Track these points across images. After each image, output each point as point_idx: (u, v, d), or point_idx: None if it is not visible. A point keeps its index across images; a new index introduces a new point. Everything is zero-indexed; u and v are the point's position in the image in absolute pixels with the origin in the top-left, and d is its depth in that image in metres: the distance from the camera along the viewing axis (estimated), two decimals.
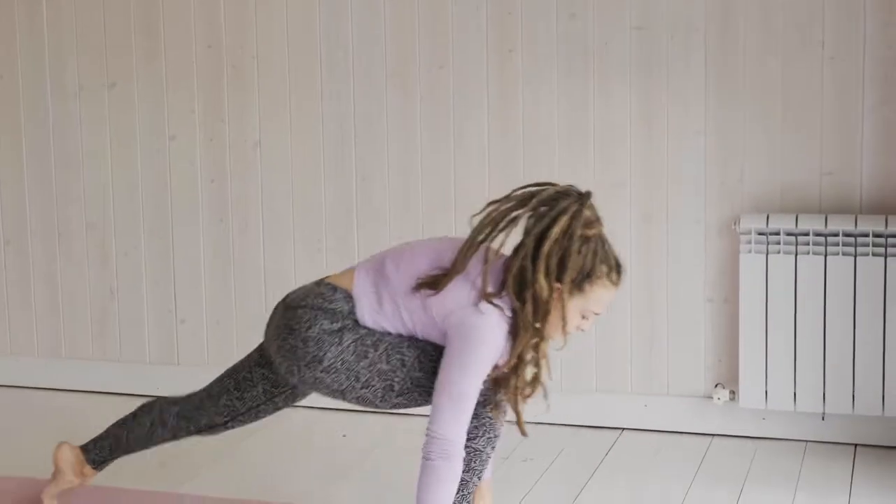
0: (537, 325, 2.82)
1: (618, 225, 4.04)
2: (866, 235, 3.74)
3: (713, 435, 4.02)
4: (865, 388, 3.79)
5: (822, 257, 3.78)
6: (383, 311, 2.94)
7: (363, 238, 4.29)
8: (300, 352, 2.93)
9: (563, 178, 4.02)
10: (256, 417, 3.19)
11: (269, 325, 3.06)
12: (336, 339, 2.91)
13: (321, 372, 2.92)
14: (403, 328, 2.95)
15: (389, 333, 2.95)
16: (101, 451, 3.34)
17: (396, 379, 2.92)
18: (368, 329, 2.94)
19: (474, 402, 2.82)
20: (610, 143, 4.02)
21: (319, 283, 3.04)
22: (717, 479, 3.66)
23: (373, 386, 2.93)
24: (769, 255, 3.83)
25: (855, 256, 3.76)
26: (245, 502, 3.54)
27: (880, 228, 3.73)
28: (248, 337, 4.46)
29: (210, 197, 4.46)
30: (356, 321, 2.95)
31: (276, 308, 3.06)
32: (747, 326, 3.87)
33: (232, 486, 3.68)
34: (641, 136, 3.99)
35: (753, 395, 3.89)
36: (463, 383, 2.78)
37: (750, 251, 3.84)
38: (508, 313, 2.82)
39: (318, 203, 4.34)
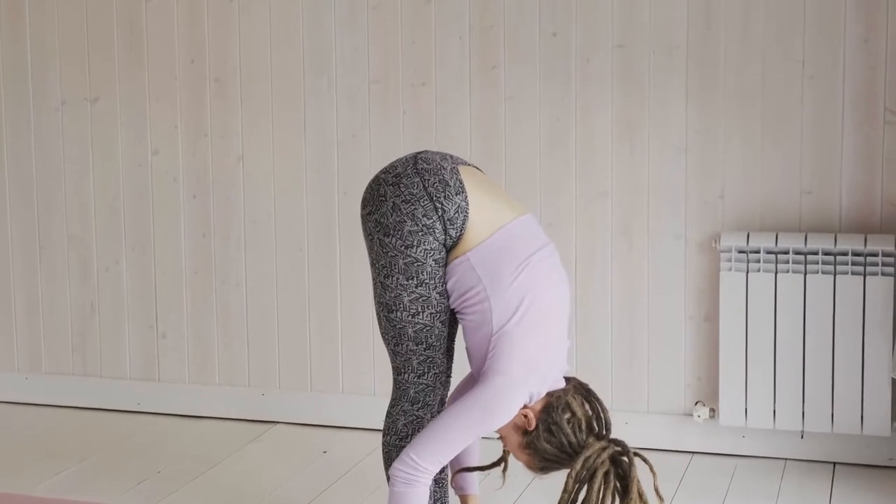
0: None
1: (598, 241, 4.05)
2: (845, 254, 3.76)
3: (693, 452, 4.03)
4: (844, 406, 3.80)
5: (802, 276, 3.80)
6: (469, 289, 2.85)
7: (345, 254, 4.29)
8: (384, 207, 2.86)
9: (544, 194, 4.08)
10: (448, 348, 3.02)
11: (394, 164, 2.95)
12: (412, 241, 2.84)
13: (378, 235, 2.87)
14: (471, 304, 2.86)
15: (442, 286, 2.88)
16: None
17: (399, 315, 2.88)
18: (441, 263, 2.87)
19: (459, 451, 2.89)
20: (591, 159, 4.04)
21: (458, 185, 2.86)
22: (697, 497, 3.66)
23: (388, 293, 2.87)
24: (749, 273, 3.84)
25: (834, 275, 3.77)
26: None
27: (859, 247, 3.75)
28: (229, 353, 4.46)
29: (192, 212, 4.45)
30: (445, 243, 2.86)
31: (409, 157, 2.94)
32: (727, 344, 3.89)
33: (211, 502, 3.67)
34: (623, 153, 4.01)
35: (733, 413, 3.90)
36: (468, 432, 2.83)
37: (730, 269, 3.86)
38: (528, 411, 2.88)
39: (301, 219, 4.34)
